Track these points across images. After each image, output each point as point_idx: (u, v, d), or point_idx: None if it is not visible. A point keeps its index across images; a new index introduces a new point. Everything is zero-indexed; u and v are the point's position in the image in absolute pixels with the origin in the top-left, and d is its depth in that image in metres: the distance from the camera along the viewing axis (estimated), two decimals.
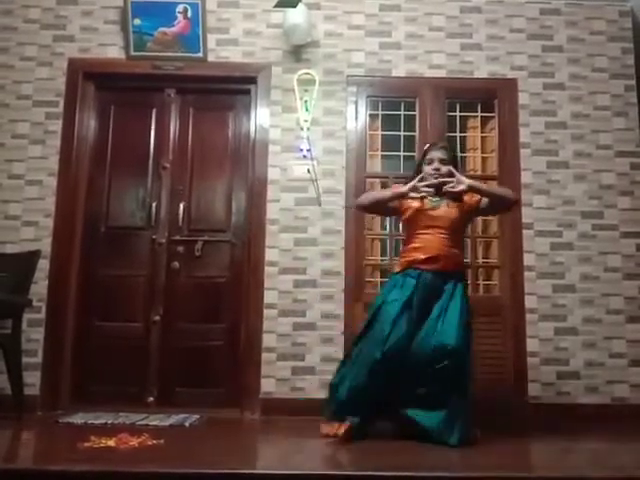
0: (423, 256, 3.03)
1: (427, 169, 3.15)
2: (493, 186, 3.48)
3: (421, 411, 2.89)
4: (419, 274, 3.02)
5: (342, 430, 2.89)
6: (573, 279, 3.96)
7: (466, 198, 3.11)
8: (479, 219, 4.07)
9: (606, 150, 4.09)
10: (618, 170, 4.07)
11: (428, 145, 3.29)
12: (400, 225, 4.07)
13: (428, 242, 3.05)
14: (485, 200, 3.12)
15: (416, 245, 3.09)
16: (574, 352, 3.89)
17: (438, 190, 3.10)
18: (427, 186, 3.06)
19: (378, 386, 2.92)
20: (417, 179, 3.10)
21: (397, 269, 3.15)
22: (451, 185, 3.04)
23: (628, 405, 3.81)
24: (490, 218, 4.12)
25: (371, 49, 4.17)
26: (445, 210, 3.09)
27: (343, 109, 4.11)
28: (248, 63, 4.14)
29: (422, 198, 3.08)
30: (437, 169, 3.12)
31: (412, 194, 3.07)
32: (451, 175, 3.06)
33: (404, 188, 3.10)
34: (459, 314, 2.96)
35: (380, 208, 3.30)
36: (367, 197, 3.31)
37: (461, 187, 3.03)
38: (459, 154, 4.14)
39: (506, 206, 3.24)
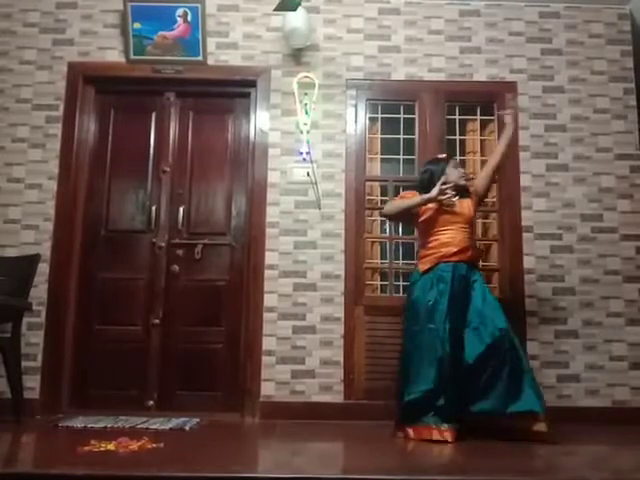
0: (455, 249, 3.23)
1: (455, 173, 3.37)
2: (491, 160, 3.58)
3: (482, 402, 3.03)
4: (454, 266, 3.21)
5: (448, 435, 2.98)
6: (573, 282, 3.96)
7: (471, 194, 3.41)
8: (479, 222, 4.08)
9: (605, 153, 4.10)
10: (618, 173, 4.08)
11: (445, 155, 3.53)
12: (400, 228, 4.10)
13: (454, 236, 3.27)
14: (479, 184, 3.43)
15: (443, 240, 3.28)
16: (574, 355, 3.88)
17: (455, 192, 3.32)
18: (450, 187, 3.27)
19: (448, 385, 3.03)
20: (440, 182, 3.26)
21: (425, 267, 3.27)
22: (462, 177, 3.43)
23: (629, 408, 3.80)
24: (490, 220, 4.13)
25: (370, 52, 4.18)
26: (461, 206, 3.34)
27: (343, 112, 4.11)
28: (248, 66, 4.14)
29: (449, 200, 3.28)
30: (463, 174, 3.42)
31: (441, 197, 3.25)
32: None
33: (433, 193, 3.25)
34: (493, 297, 3.24)
35: (407, 216, 3.44)
36: (394, 206, 3.44)
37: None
38: (458, 157, 4.15)
39: (499, 164, 3.52)
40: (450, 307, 3.12)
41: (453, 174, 3.36)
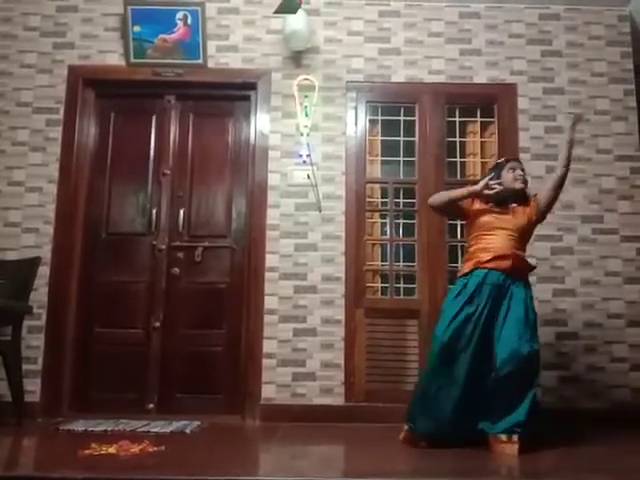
0: (490, 255, 3.04)
1: (509, 175, 3.18)
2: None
3: (490, 423, 2.88)
4: (487, 273, 3.02)
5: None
6: (574, 283, 3.96)
7: (531, 202, 3.19)
8: None
9: (606, 154, 4.10)
10: (618, 174, 4.07)
11: (504, 159, 3.35)
12: (401, 230, 4.10)
13: (496, 242, 3.07)
14: (542, 195, 3.20)
15: (483, 245, 3.10)
16: (575, 356, 3.88)
17: (508, 199, 3.16)
18: (498, 184, 3.12)
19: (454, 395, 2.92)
20: (488, 177, 3.17)
21: (462, 272, 3.15)
22: (518, 179, 3.17)
23: (629, 410, 3.80)
24: None
25: (370, 55, 4.18)
26: (514, 213, 3.14)
27: (343, 115, 4.11)
28: (248, 69, 4.14)
29: (491, 197, 3.13)
30: (522, 175, 3.20)
31: (486, 191, 3.12)
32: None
33: (477, 186, 3.15)
34: (524, 315, 2.96)
35: (452, 207, 3.27)
36: (440, 196, 3.28)
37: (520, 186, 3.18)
38: (458, 159, 4.16)
39: (562, 181, 3.24)
40: (467, 311, 2.96)
41: (507, 176, 3.17)
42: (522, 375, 2.85)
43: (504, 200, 3.15)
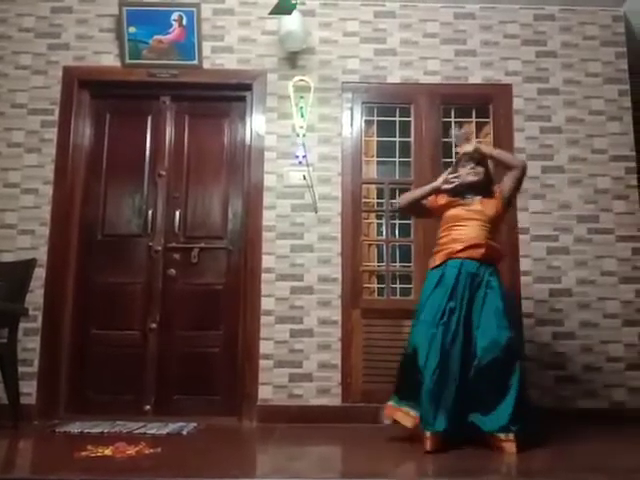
0: (463, 245, 3.10)
1: (465, 170, 3.26)
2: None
3: (480, 415, 2.90)
4: (461, 263, 3.08)
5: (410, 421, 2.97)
6: (569, 283, 3.97)
7: (495, 194, 3.25)
8: None
9: (601, 154, 4.11)
10: (613, 174, 4.09)
11: (463, 152, 3.39)
12: (397, 231, 4.10)
13: (467, 232, 3.14)
14: (505, 184, 3.25)
15: (453, 237, 3.17)
16: (571, 356, 3.89)
17: (471, 189, 3.24)
18: (456, 177, 3.22)
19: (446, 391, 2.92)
20: (447, 172, 3.28)
21: (433, 264, 3.20)
22: (470, 173, 3.23)
23: (626, 409, 3.81)
24: None
25: (366, 56, 4.18)
26: (479, 205, 3.21)
27: (338, 115, 4.11)
28: (243, 70, 4.14)
29: (452, 191, 3.22)
30: (472, 168, 3.25)
31: (445, 186, 3.23)
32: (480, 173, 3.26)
33: (437, 182, 3.26)
34: (501, 304, 3.02)
35: (417, 207, 3.38)
36: (404, 198, 3.44)
37: (467, 148, 3.26)
38: (454, 160, 4.15)
39: (520, 174, 3.27)
40: (450, 305, 3.00)
41: (463, 170, 3.26)
42: (503, 363, 2.89)
43: (468, 192, 3.23)
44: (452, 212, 3.23)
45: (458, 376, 2.92)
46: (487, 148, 3.39)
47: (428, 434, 2.81)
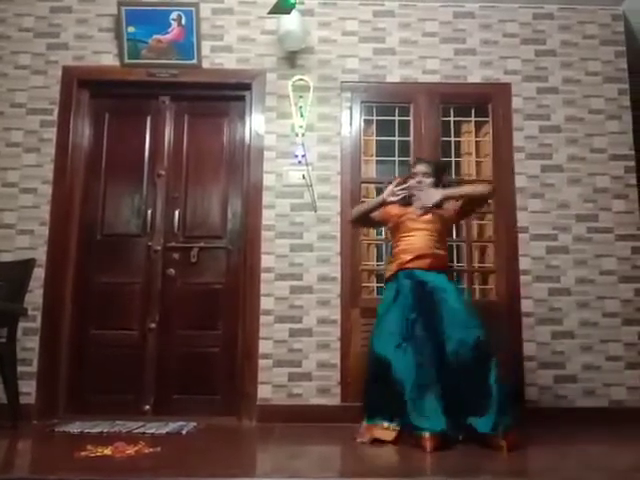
0: (410, 256, 3.22)
1: (412, 182, 3.35)
2: (465, 187, 3.63)
3: (476, 417, 2.90)
4: (410, 274, 3.18)
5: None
6: (569, 282, 3.97)
7: (447, 206, 3.34)
8: (474, 224, 4.10)
9: (600, 153, 4.11)
10: (612, 173, 4.09)
11: (414, 160, 3.52)
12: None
13: (414, 242, 3.25)
14: (459, 203, 3.36)
15: (403, 247, 3.28)
16: (571, 356, 3.89)
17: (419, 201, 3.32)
18: (402, 189, 3.29)
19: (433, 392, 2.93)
20: (393, 184, 3.33)
21: (388, 274, 3.32)
22: (421, 202, 3.28)
23: (625, 408, 3.81)
24: (485, 222, 4.14)
25: (365, 55, 4.18)
26: (428, 217, 3.30)
27: (338, 115, 4.11)
28: (243, 70, 4.14)
29: (401, 201, 3.32)
30: (420, 182, 3.34)
31: (390, 198, 3.30)
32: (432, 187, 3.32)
33: (384, 194, 3.33)
34: (461, 305, 3.10)
35: (367, 220, 3.50)
36: (353, 212, 3.58)
37: (435, 199, 3.24)
38: (453, 159, 4.17)
39: (484, 202, 3.50)
40: (412, 316, 3.05)
41: (412, 182, 3.35)
42: (476, 362, 2.93)
43: (418, 202, 3.30)
44: (403, 222, 3.32)
45: (436, 381, 2.92)
46: (454, 191, 3.40)
47: (427, 435, 2.81)
